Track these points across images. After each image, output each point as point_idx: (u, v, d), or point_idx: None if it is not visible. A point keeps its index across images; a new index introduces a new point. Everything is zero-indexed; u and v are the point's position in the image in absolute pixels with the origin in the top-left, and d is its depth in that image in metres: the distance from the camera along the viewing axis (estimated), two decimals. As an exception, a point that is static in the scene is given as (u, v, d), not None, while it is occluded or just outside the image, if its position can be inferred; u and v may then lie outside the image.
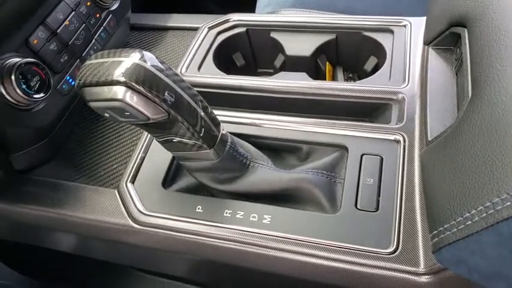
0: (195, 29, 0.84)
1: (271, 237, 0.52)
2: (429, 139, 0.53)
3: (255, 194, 0.58)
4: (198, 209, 0.56)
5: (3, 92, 0.56)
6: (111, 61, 0.46)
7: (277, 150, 0.64)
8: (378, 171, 0.56)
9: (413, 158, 0.56)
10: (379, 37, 0.75)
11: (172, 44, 0.84)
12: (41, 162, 0.66)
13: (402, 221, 0.51)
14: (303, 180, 0.56)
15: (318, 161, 0.60)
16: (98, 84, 0.45)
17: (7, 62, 0.56)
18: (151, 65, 0.46)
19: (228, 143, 0.56)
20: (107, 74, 0.45)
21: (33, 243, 0.68)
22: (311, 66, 0.78)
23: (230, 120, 0.65)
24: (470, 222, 0.37)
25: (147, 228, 0.56)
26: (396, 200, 0.53)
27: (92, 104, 0.47)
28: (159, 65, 0.47)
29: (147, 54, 0.47)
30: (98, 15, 0.71)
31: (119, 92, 0.45)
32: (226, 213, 0.56)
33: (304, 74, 0.72)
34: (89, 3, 0.69)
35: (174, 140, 0.53)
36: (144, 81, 0.45)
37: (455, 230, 0.39)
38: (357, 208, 0.53)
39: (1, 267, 0.90)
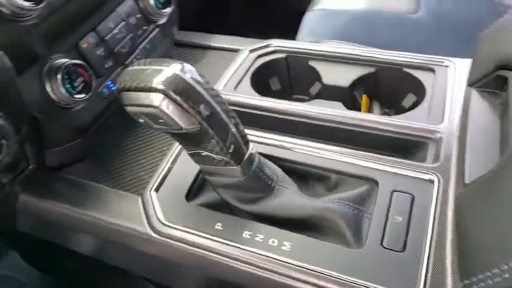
0: (236, 51, 0.86)
1: (289, 265, 0.51)
2: (466, 182, 0.51)
3: (277, 218, 0.56)
4: (218, 226, 0.55)
5: (49, 89, 0.58)
6: (152, 69, 0.47)
7: (305, 176, 0.63)
8: (408, 210, 0.54)
9: (447, 200, 0.53)
10: (419, 75, 0.74)
11: (212, 63, 0.86)
12: (72, 161, 0.67)
13: (431, 264, 0.48)
14: (328, 210, 0.55)
15: (345, 192, 0.58)
16: (137, 89, 0.47)
17: (56, 61, 0.59)
18: (191, 77, 0.47)
19: (255, 162, 0.55)
20: (147, 81, 0.46)
21: (53, 240, 0.69)
22: (347, 97, 0.78)
23: (260, 141, 0.65)
24: (508, 275, 0.35)
25: (164, 238, 0.55)
26: (425, 242, 0.50)
27: (129, 109, 0.49)
28: (198, 77, 0.48)
29: (188, 67, 0.48)
30: (145, 27, 0.74)
31: (156, 99, 0.45)
32: (246, 234, 0.54)
33: (340, 104, 0.71)
34: (138, 16, 0.72)
35: (202, 154, 0.53)
36: (182, 92, 0.46)
37: (491, 282, 0.37)
38: (382, 246, 0.51)
39: (19, 262, 0.91)
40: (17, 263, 0.90)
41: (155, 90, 0.45)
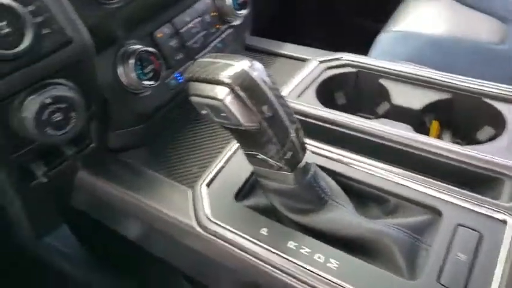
0: (305, 60, 0.84)
1: (334, 284, 0.47)
2: (547, 228, 0.45)
3: (325, 234, 0.53)
4: (263, 231, 0.54)
5: (121, 73, 0.60)
6: (222, 63, 0.47)
7: (361, 196, 0.60)
8: (474, 249, 0.48)
9: (521, 245, 0.48)
10: (501, 106, 0.68)
11: (280, 70, 0.85)
12: (132, 145, 0.69)
13: (494, 312, 0.43)
14: (383, 234, 0.51)
15: (404, 219, 0.54)
16: (205, 81, 0.47)
17: (131, 47, 0.61)
18: (258, 75, 0.46)
19: (311, 172, 0.53)
20: (215, 73, 0.46)
21: (103, 220, 0.71)
22: (416, 121, 0.73)
23: (318, 152, 0.62)
24: None
25: (208, 234, 0.54)
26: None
27: (194, 99, 0.49)
28: (265, 77, 0.47)
29: (257, 65, 0.47)
30: (218, 26, 0.75)
31: (221, 92, 0.45)
32: (291, 244, 0.52)
33: (408, 126, 0.67)
34: (214, 14, 0.73)
35: (258, 156, 0.52)
36: (247, 89, 0.45)
37: None
38: (439, 282, 0.46)
39: (68, 236, 0.94)
40: (67, 237, 0.93)
41: (222, 83, 0.45)
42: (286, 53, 0.88)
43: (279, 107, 0.48)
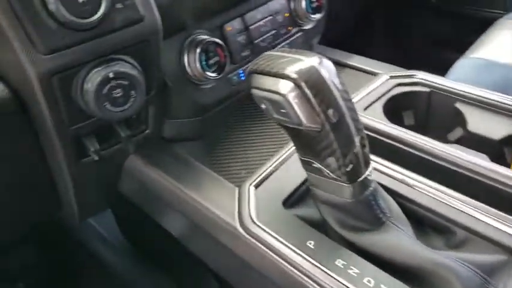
0: (374, 74, 0.80)
1: (381, 314, 0.42)
2: None
3: (377, 257, 0.48)
4: (310, 244, 0.49)
5: (185, 61, 0.60)
6: (290, 57, 0.45)
7: (424, 222, 0.54)
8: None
9: None
10: None
11: (347, 81, 0.80)
12: (185, 137, 0.68)
13: None
14: (447, 268, 0.44)
15: (471, 255, 0.47)
16: (269, 74, 0.44)
17: (198, 36, 0.60)
18: (327, 74, 0.43)
19: (370, 188, 0.48)
20: (280, 67, 0.43)
21: (145, 208, 0.70)
22: (493, 151, 0.65)
23: (381, 169, 0.57)
24: None
25: (250, 237, 0.51)
26: None
27: (255, 91, 0.46)
28: (335, 77, 0.44)
29: (327, 62, 0.44)
30: (289, 28, 0.73)
31: (285, 86, 0.42)
32: (339, 262, 0.47)
33: (484, 156, 0.60)
34: (286, 15, 0.71)
35: (314, 165, 0.48)
36: (313, 86, 0.42)
37: None
38: (510, 335, 0.39)
39: (112, 224, 0.95)
40: (110, 224, 0.94)
41: (286, 77, 0.42)
42: (354, 64, 0.84)
43: (346, 112, 0.44)
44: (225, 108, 0.69)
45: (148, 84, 0.54)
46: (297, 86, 0.42)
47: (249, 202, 0.55)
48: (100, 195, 0.80)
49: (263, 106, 0.47)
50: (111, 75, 0.47)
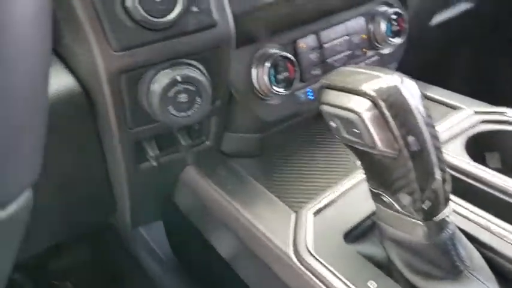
0: (455, 108, 0.72)
1: None
2: None
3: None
4: (371, 284, 0.44)
5: (254, 73, 0.57)
6: (367, 73, 0.41)
7: (510, 278, 0.45)
8: None
9: None
10: None
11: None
12: (244, 153, 0.65)
13: None
14: None
15: None
16: (343, 89, 0.41)
17: (270, 50, 0.58)
18: (410, 94, 0.39)
19: (449, 231, 0.42)
20: (357, 83, 0.39)
21: (195, 222, 0.67)
22: None
23: (461, 212, 0.50)
24: None
25: (303, 268, 0.46)
26: None
27: (325, 108, 0.42)
28: (418, 98, 0.39)
29: (410, 82, 0.39)
30: (365, 50, 0.68)
31: (361, 104, 0.38)
32: (404, 311, 0.41)
33: None
34: (364, 36, 0.67)
35: (383, 198, 0.43)
36: (393, 106, 0.38)
37: None
38: None
39: (162, 236, 0.94)
40: (160, 236, 0.93)
41: (363, 94, 0.38)
42: (434, 96, 0.77)
43: (428, 139, 0.39)
44: (288, 127, 0.65)
45: (214, 93, 0.52)
46: (375, 104, 0.38)
47: (306, 230, 0.50)
48: (154, 204, 0.79)
49: (333, 124, 0.43)
50: (178, 78, 0.46)
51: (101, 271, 0.99)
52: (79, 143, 0.54)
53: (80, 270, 0.99)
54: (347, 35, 0.65)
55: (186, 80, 0.46)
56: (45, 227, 0.69)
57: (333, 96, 0.41)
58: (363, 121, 0.38)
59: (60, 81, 0.48)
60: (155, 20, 0.42)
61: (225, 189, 0.60)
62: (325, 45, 0.63)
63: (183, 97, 0.47)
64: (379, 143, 0.38)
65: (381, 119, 0.38)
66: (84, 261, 0.99)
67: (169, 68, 0.46)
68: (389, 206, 0.43)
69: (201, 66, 0.48)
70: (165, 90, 0.45)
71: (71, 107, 0.49)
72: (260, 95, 0.58)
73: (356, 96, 0.39)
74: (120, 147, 0.53)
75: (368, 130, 0.38)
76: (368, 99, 0.38)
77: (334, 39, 0.64)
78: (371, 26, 0.68)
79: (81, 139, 0.54)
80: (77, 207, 0.69)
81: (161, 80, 0.45)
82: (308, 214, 0.52)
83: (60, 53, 0.51)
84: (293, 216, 0.53)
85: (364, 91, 0.38)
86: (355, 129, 0.39)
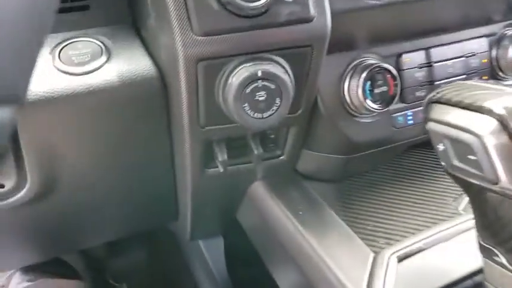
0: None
1: None
2: None
3: None
4: None
5: (345, 86, 0.50)
6: (493, 87, 0.32)
7: None
8: None
9: None
10: None
11: None
12: (322, 176, 0.57)
13: None
14: None
15: None
16: (460, 104, 0.32)
17: (367, 60, 0.51)
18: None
19: None
20: (479, 99, 0.31)
21: (258, 247, 0.61)
22: None
23: None
24: None
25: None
26: None
27: (433, 126, 0.34)
28: None
29: None
30: (485, 78, 0.58)
31: (484, 124, 0.30)
32: None
33: None
34: (484, 61, 0.57)
35: (497, 256, 0.33)
36: (529, 131, 0.28)
37: None
38: None
39: (219, 256, 0.89)
40: (217, 251, 0.88)
41: (488, 112, 0.30)
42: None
43: None
44: (377, 153, 0.56)
45: (296, 99, 0.46)
46: (503, 126, 0.29)
47: (386, 276, 0.41)
48: (216, 218, 0.74)
49: (440, 147, 0.34)
50: (259, 73, 0.40)
51: (154, 277, 0.96)
52: (150, 135, 0.51)
53: (135, 274, 0.97)
54: (463, 57, 0.55)
55: (267, 76, 0.40)
56: (106, 221, 0.68)
57: (446, 112, 0.34)
58: (484, 146, 0.30)
59: (139, 63, 0.46)
60: (244, 3, 0.38)
61: (295, 213, 0.53)
62: (435, 65, 0.54)
63: (261, 95, 0.41)
64: (503, 177, 0.30)
65: (510, 146, 0.28)
66: (140, 263, 0.97)
67: (252, 62, 0.41)
68: (504, 266, 0.32)
69: (286, 65, 0.43)
70: (243, 85, 0.40)
71: (146, 92, 0.46)
72: (351, 110, 0.51)
73: (477, 114, 0.31)
74: (189, 145, 0.49)
75: (490, 158, 0.30)
76: (495, 118, 0.29)
77: (447, 60, 0.54)
78: (495, 51, 0.58)
79: (152, 131, 0.51)
80: (140, 207, 0.67)
81: (240, 74, 0.40)
82: (391, 259, 0.42)
83: (144, 37, 0.49)
84: (371, 257, 0.44)
85: (490, 108, 0.30)
86: (471, 156, 0.31)
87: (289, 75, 0.43)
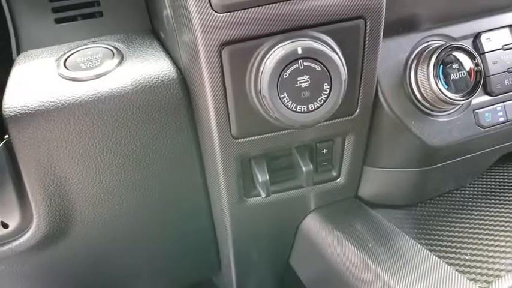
0: None
1: None
2: None
3: None
4: None
5: (411, 76, 0.40)
6: None
7: None
8: None
9: None
10: None
11: None
12: (395, 200, 0.45)
13: None
14: None
15: None
16: None
17: (435, 42, 0.40)
18: None
19: None
20: None
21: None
22: None
23: None
24: None
25: None
26: None
27: None
28: None
29: None
30: None
31: None
32: None
33: None
34: None
35: None
36: None
37: None
38: None
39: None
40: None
41: None
42: None
43: None
44: (462, 164, 0.44)
45: (351, 92, 0.36)
46: None
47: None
48: (265, 264, 0.62)
49: None
50: (299, 50, 0.31)
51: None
52: (173, 153, 0.42)
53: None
54: None
55: (310, 53, 0.31)
56: (144, 273, 0.58)
57: None
58: None
59: (156, 65, 0.39)
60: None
61: (364, 247, 0.41)
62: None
63: (303, 81, 0.32)
64: None
65: None
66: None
67: (289, 40, 0.32)
68: None
69: (332, 43, 0.33)
70: (279, 67, 0.31)
71: (165, 98, 0.38)
72: (422, 106, 0.40)
73: None
74: (221, 163, 0.40)
75: None
76: None
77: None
78: None
79: (175, 147, 0.42)
80: (171, 255, 0.57)
81: (275, 54, 0.32)
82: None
83: (163, 40, 0.43)
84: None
85: None
86: None
87: (338, 54, 0.33)
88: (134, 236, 0.48)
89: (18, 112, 0.35)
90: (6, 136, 0.36)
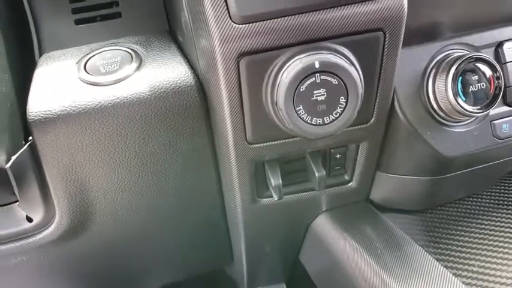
0: None
1: None
2: None
3: None
4: None
5: (429, 86, 0.39)
6: None
7: None
8: None
9: None
10: None
11: None
12: (403, 203, 0.46)
13: None
14: None
15: None
16: None
17: (455, 52, 0.40)
18: None
19: None
20: None
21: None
22: None
23: None
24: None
25: None
26: None
27: None
28: None
29: None
30: None
31: None
32: None
33: None
34: None
35: None
36: None
37: None
38: None
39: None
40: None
41: None
42: None
43: None
44: (475, 173, 0.43)
45: (368, 102, 0.36)
46: None
47: None
48: (276, 260, 0.63)
49: None
50: (316, 64, 0.31)
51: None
52: (190, 155, 0.44)
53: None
54: None
55: (327, 67, 0.31)
56: (160, 264, 0.60)
57: None
58: None
59: (174, 70, 0.39)
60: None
61: (372, 252, 0.41)
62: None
63: (320, 94, 0.32)
64: None
65: None
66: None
67: (306, 53, 0.32)
68: None
69: (350, 55, 0.33)
70: (296, 81, 0.31)
71: (183, 103, 0.39)
72: (438, 116, 0.40)
73: None
74: (236, 166, 0.41)
75: None
76: None
77: None
78: None
79: (192, 150, 0.43)
80: (187, 245, 0.59)
81: (293, 67, 0.32)
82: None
83: (181, 43, 0.43)
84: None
85: None
86: None
87: (355, 67, 0.33)
88: (151, 230, 0.50)
89: (42, 117, 0.36)
90: (31, 138, 0.37)
